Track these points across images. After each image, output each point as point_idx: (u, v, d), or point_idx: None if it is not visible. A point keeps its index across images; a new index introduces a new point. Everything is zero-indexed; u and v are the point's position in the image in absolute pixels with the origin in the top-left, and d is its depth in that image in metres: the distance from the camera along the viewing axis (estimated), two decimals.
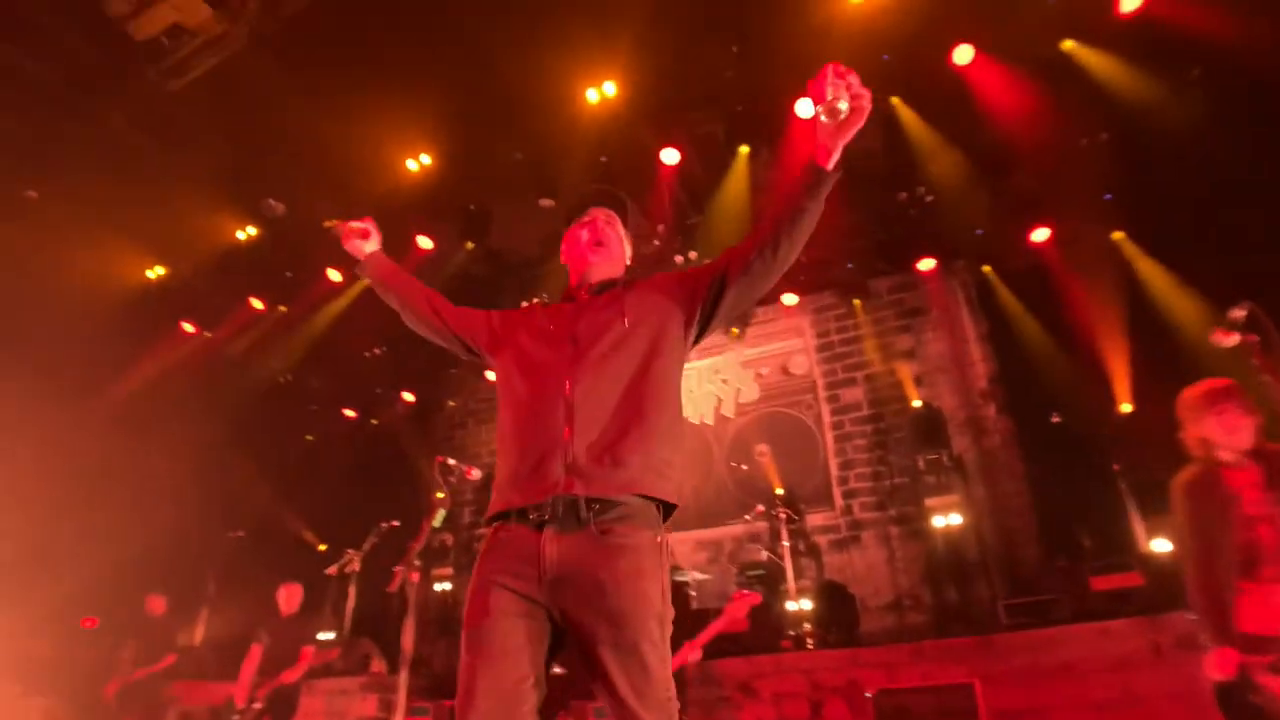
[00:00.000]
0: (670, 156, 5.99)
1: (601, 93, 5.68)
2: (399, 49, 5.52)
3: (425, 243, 6.08)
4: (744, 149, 6.12)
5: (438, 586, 6.51)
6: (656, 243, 6.44)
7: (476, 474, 4.59)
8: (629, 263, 1.87)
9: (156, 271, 5.79)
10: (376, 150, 5.71)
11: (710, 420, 6.89)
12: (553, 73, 5.57)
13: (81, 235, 5.33)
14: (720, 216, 6.28)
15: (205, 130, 5.88)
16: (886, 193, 6.19)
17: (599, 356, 1.58)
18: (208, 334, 6.20)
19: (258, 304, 6.12)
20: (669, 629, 1.42)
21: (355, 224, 1.92)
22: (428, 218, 6.15)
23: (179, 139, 5.95)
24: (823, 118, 1.37)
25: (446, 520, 4.15)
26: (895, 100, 5.70)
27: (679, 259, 6.48)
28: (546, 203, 5.88)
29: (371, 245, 1.96)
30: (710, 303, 1.60)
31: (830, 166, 1.45)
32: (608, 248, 1.77)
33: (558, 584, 1.41)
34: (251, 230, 5.72)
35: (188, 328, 6.16)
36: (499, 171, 5.80)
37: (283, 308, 6.24)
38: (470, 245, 6.09)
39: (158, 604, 5.81)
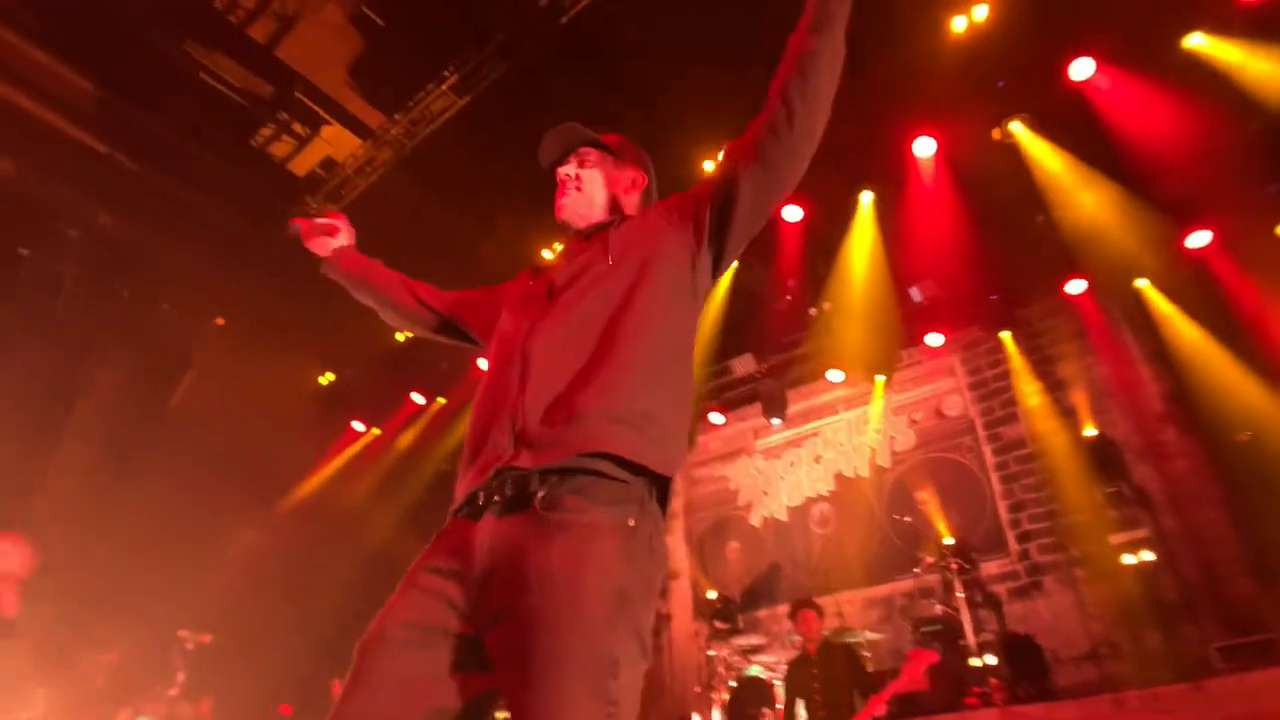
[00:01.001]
0: (793, 214, 6.87)
1: (716, 160, 6.65)
2: (532, 153, 6.69)
3: None
4: (867, 194, 6.96)
5: None
6: (789, 298, 7.30)
7: None
8: (631, 187, 1.78)
9: (327, 377, 7.12)
10: (519, 250, 6.83)
11: (866, 472, 7.52)
12: (667, 151, 6.59)
13: (262, 350, 6.67)
14: (850, 265, 7.07)
15: (362, 247, 7.10)
16: (1021, 218, 6.81)
17: (569, 301, 1.49)
18: (376, 430, 7.50)
19: (419, 399, 7.36)
20: (627, 659, 1.14)
21: (321, 220, 1.92)
22: None
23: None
24: None
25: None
26: (1018, 124, 6.35)
27: (812, 311, 7.31)
28: None
29: (340, 241, 1.96)
30: (720, 210, 1.51)
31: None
32: (577, 190, 1.73)
33: (484, 584, 1.22)
34: (408, 331, 6.93)
35: (358, 426, 7.47)
36: None
37: (441, 400, 7.47)
38: None
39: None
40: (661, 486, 1.33)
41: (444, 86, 5.93)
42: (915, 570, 6.45)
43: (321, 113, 6.27)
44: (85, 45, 6.05)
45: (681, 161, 6.31)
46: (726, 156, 1.54)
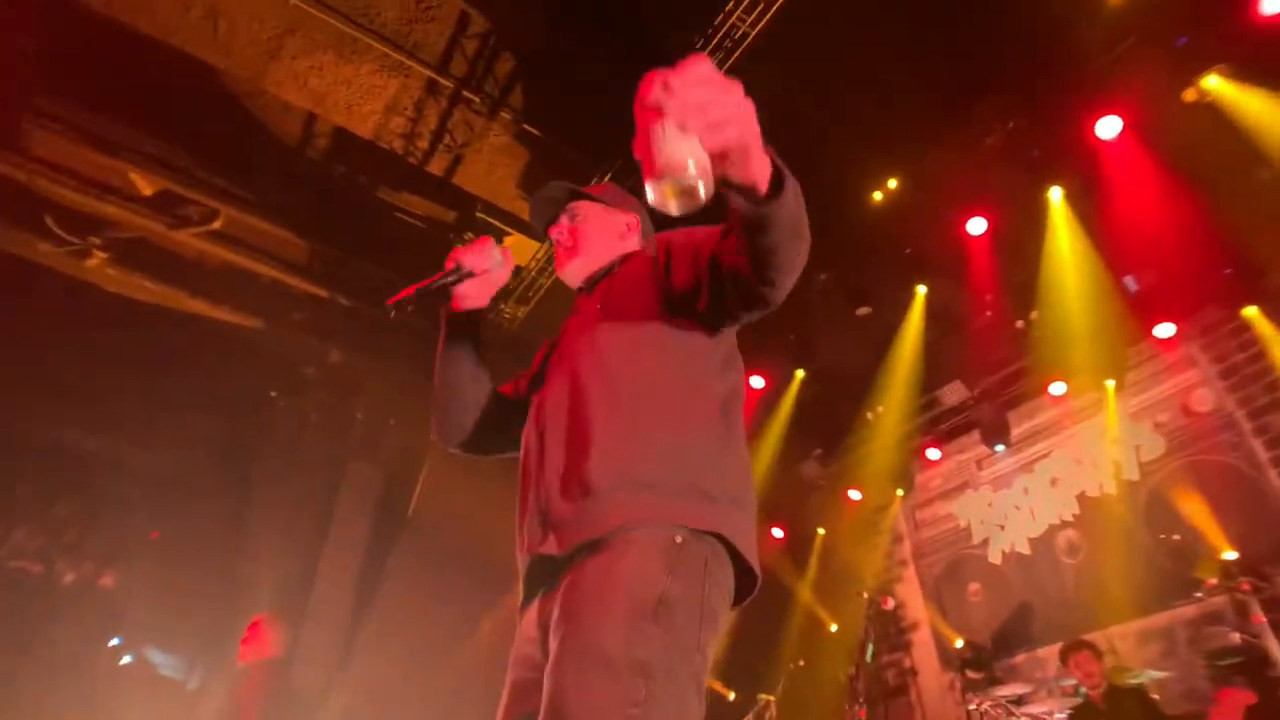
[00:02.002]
0: (977, 226, 7.41)
1: (886, 189, 7.37)
2: None
3: (757, 381, 8.08)
4: (1055, 190, 7.34)
5: None
6: (989, 314, 7.75)
7: (891, 603, 6.15)
8: (627, 231, 1.93)
9: None
10: None
11: (1114, 489, 7.59)
12: (832, 191, 7.39)
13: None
14: (1051, 267, 7.44)
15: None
16: (1239, 178, 6.81)
17: (568, 365, 1.59)
18: None
19: None
20: (666, 669, 1.18)
21: (461, 259, 1.81)
22: (749, 357, 8.13)
23: (523, 356, 8.78)
24: (671, 202, 1.05)
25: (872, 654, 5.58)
26: (1213, 77, 6.47)
27: (1019, 323, 7.70)
28: (863, 311, 7.58)
29: (493, 278, 1.86)
30: (694, 303, 1.53)
31: (765, 194, 1.16)
32: (572, 250, 1.87)
33: (545, 635, 1.38)
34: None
35: None
36: (810, 296, 7.63)
37: None
38: (801, 373, 7.98)
39: None
40: (723, 545, 1.36)
41: (605, 179, 7.18)
42: (1196, 594, 6.42)
43: (501, 226, 7.75)
44: (297, 208, 7.97)
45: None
46: (705, 251, 1.50)
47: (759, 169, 1.13)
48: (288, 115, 7.39)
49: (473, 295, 1.88)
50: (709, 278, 1.48)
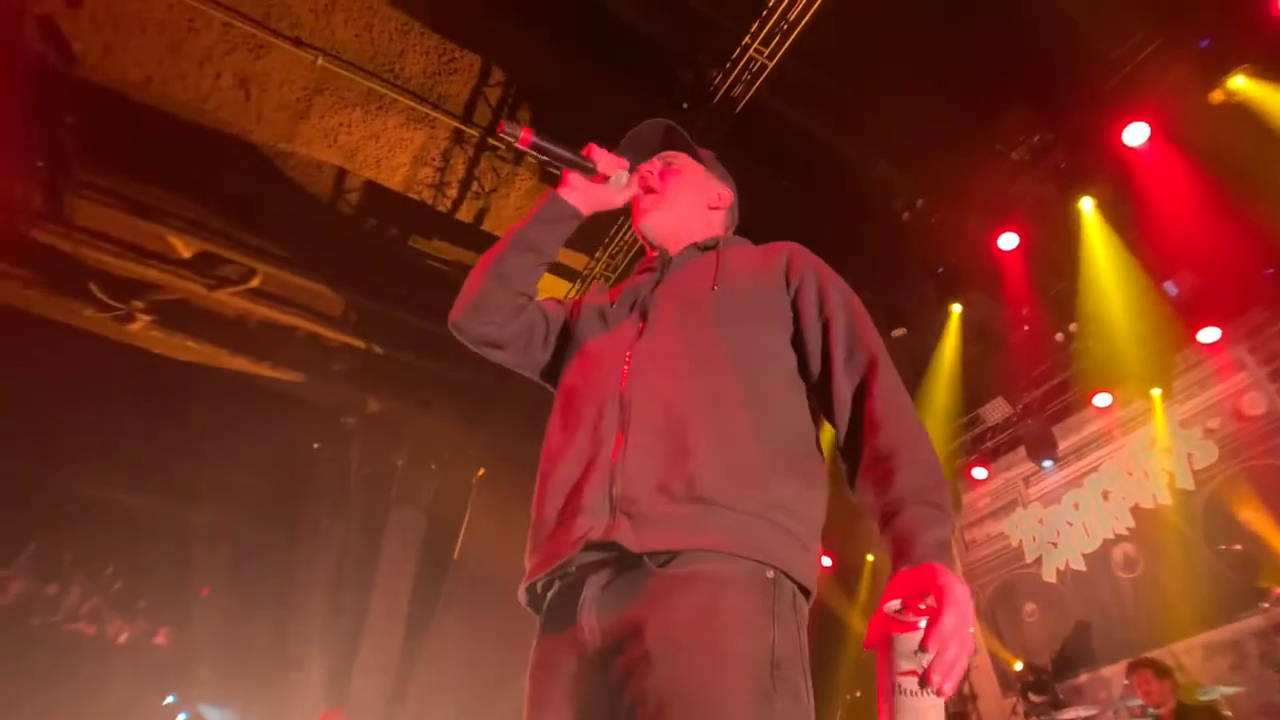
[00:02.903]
0: (1009, 241, 7.37)
1: (913, 208, 7.37)
2: None
3: None
4: (1086, 200, 7.30)
5: None
6: (1026, 328, 7.68)
7: None
8: (718, 202, 1.81)
9: None
10: None
11: (1168, 499, 7.44)
12: (861, 211, 7.41)
13: (520, 494, 8.17)
14: (1089, 277, 7.36)
15: None
16: (1276, 176, 6.73)
17: (674, 341, 1.46)
18: None
19: None
20: None
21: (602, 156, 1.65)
22: None
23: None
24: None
25: None
26: (1238, 78, 6.41)
27: (1059, 336, 7.62)
28: (899, 332, 7.54)
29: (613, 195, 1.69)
30: (814, 345, 1.48)
31: None
32: (661, 194, 1.73)
33: (605, 660, 1.21)
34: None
35: None
36: None
37: None
38: None
39: None
40: (798, 590, 1.27)
41: (629, 222, 7.27)
42: (1262, 605, 6.30)
43: None
44: (332, 262, 8.14)
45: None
46: (824, 363, 1.46)
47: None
48: (319, 172, 7.58)
49: (579, 191, 1.67)
50: (816, 381, 1.47)
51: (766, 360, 1.44)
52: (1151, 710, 5.56)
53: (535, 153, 1.60)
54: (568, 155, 1.64)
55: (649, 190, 1.72)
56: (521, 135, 1.56)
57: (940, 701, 1.03)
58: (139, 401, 8.02)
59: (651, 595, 1.18)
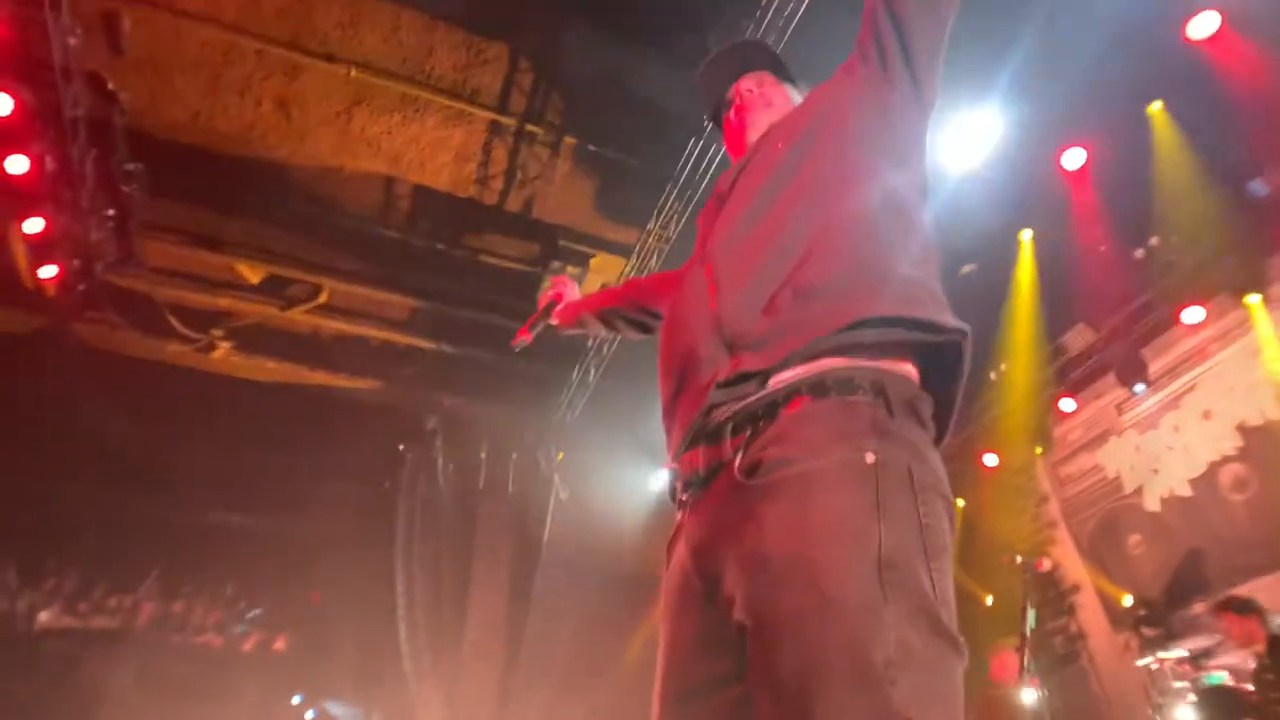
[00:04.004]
0: (1075, 158, 6.99)
1: (974, 139, 7.01)
2: None
3: None
4: (1156, 103, 6.84)
5: None
6: (1103, 248, 7.28)
7: (1047, 564, 5.83)
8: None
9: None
10: None
11: (1277, 414, 6.95)
12: None
13: (601, 472, 8.38)
14: (1164, 187, 6.92)
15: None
16: None
17: (742, 196, 1.48)
18: None
19: None
20: (912, 652, 0.98)
21: (538, 314, 2.25)
22: None
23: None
24: None
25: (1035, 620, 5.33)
26: None
27: (1138, 253, 7.21)
28: (968, 268, 7.29)
29: (570, 298, 2.26)
30: (883, 27, 1.50)
31: None
32: (753, 106, 1.78)
33: (713, 599, 1.19)
34: None
35: None
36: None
37: None
38: None
39: None
40: (926, 353, 1.25)
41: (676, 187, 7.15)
42: None
43: (585, 249, 7.86)
44: (392, 269, 8.29)
45: None
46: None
47: None
48: (368, 183, 7.71)
49: (565, 314, 2.22)
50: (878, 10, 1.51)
51: (844, 162, 1.44)
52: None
53: (531, 335, 2.23)
54: (541, 315, 2.24)
55: (740, 109, 1.79)
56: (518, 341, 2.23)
57: None
58: (233, 427, 8.42)
59: (743, 516, 1.13)
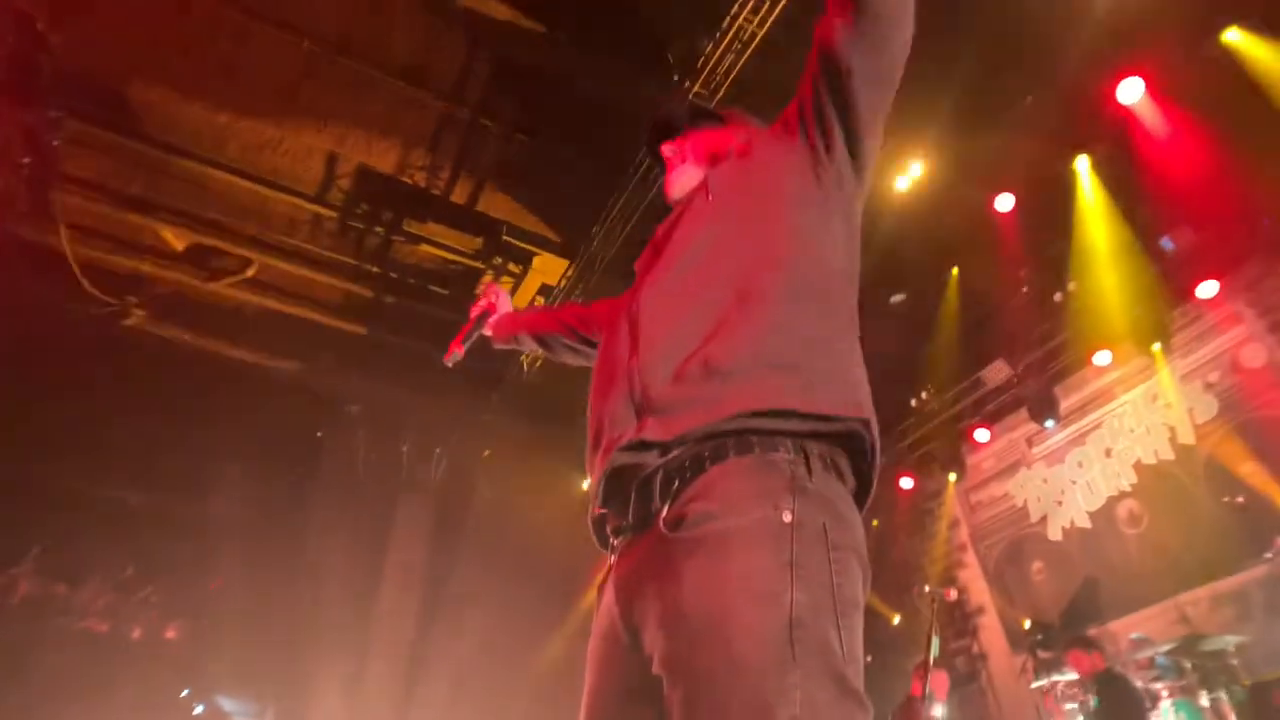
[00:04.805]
0: (1005, 202, 7.33)
1: (911, 178, 7.29)
2: None
3: None
4: (1082, 159, 7.27)
5: None
6: (1025, 289, 7.67)
7: (954, 594, 6.06)
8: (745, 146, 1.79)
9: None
10: None
11: (1170, 454, 7.48)
12: None
13: (527, 472, 8.27)
14: (1084, 236, 7.34)
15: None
16: (1270, 129, 6.69)
17: (673, 251, 1.49)
18: None
19: None
20: (816, 707, 0.99)
21: (469, 324, 2.20)
22: None
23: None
24: None
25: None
26: (1231, 31, 6.36)
27: (1057, 296, 7.62)
28: (898, 298, 7.53)
29: (503, 309, 2.25)
30: (825, 103, 1.44)
31: None
32: (674, 168, 1.81)
33: (637, 645, 1.20)
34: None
35: None
36: None
37: None
38: None
39: None
40: (837, 441, 1.23)
41: (628, 190, 7.16)
42: (1266, 555, 6.35)
43: (528, 247, 7.77)
44: (327, 249, 8.03)
45: None
46: (815, 42, 1.48)
47: None
48: (310, 159, 7.45)
49: (499, 328, 2.25)
50: (817, 71, 1.46)
51: (781, 211, 1.43)
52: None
53: (465, 349, 2.14)
54: (475, 328, 2.20)
55: (673, 166, 1.81)
56: (450, 355, 2.12)
57: None
58: (140, 396, 7.93)
59: (665, 567, 1.14)
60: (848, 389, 1.25)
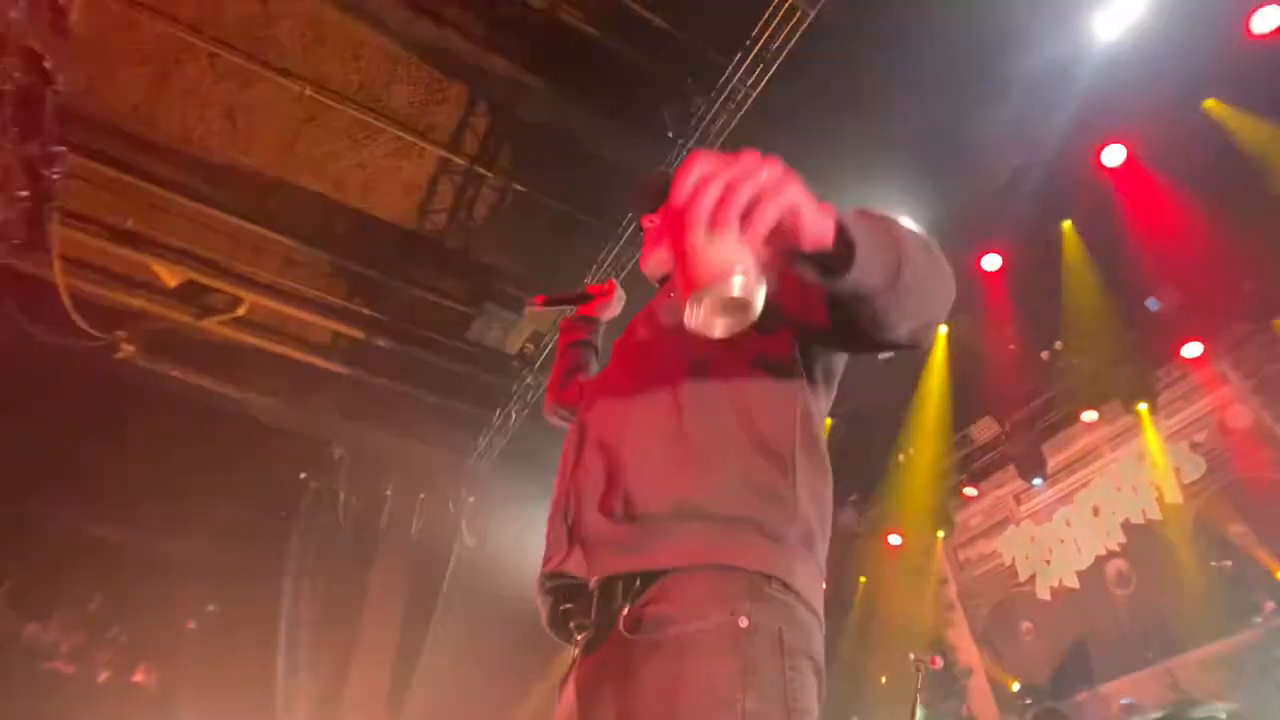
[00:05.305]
0: (992, 262, 7.44)
1: None
2: None
3: None
4: (1066, 224, 7.41)
5: None
6: (1012, 347, 7.72)
7: (940, 663, 5.98)
8: None
9: None
10: None
11: (1158, 514, 7.44)
12: None
13: (512, 524, 8.15)
14: (1071, 295, 7.43)
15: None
16: (1250, 193, 6.81)
17: (634, 361, 1.44)
18: None
19: None
20: None
21: (595, 289, 2.14)
22: None
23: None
24: (717, 321, 0.93)
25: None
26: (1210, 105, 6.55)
27: (1044, 354, 7.66)
28: (885, 355, 7.54)
29: (605, 310, 2.13)
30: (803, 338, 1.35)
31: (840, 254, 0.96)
32: (648, 242, 1.77)
33: (586, 714, 1.18)
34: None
35: None
36: None
37: None
38: (829, 420, 7.90)
39: None
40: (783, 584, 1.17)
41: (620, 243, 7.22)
42: (1255, 619, 6.30)
43: (521, 295, 7.77)
44: (320, 290, 8.04)
45: None
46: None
47: (819, 228, 0.93)
48: (308, 202, 7.52)
49: (573, 328, 2.13)
50: (830, 324, 1.24)
51: (723, 358, 1.32)
52: None
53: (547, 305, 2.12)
54: (565, 297, 2.13)
55: (648, 242, 1.78)
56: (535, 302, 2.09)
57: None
58: (123, 433, 7.84)
59: (622, 670, 1.13)
60: (767, 542, 1.19)
